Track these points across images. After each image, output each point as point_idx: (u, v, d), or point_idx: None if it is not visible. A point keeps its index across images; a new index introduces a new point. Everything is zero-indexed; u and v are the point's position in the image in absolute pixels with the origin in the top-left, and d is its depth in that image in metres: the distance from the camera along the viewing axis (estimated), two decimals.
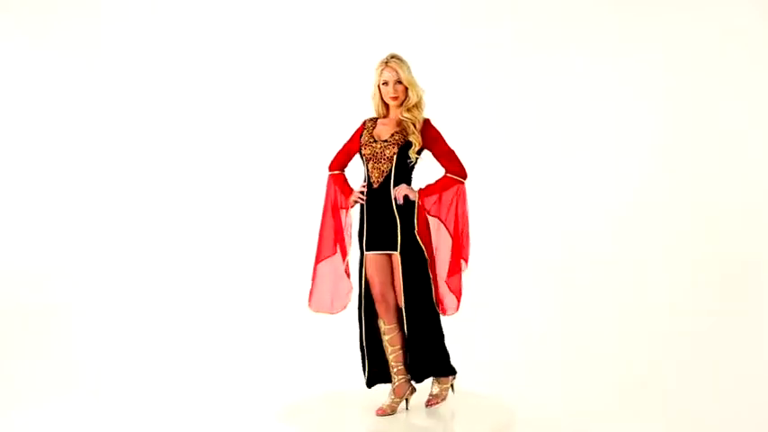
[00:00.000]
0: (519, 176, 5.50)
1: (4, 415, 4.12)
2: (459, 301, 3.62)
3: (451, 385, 3.72)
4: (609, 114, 5.41)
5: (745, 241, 5.13)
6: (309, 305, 3.71)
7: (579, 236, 5.37)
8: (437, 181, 3.58)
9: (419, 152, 3.54)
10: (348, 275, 3.66)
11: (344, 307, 3.70)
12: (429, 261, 3.52)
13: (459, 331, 5.06)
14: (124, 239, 5.82)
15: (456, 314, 3.65)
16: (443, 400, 3.68)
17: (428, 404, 3.65)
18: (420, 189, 3.56)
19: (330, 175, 3.72)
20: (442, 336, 3.64)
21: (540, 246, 5.41)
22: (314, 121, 5.56)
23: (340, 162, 3.71)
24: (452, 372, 3.68)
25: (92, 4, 5.85)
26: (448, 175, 3.59)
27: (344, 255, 3.65)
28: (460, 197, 3.61)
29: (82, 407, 4.23)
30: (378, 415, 3.56)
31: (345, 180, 3.70)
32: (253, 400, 4.31)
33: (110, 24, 5.84)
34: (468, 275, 3.94)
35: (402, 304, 3.54)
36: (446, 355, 3.65)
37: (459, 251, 3.61)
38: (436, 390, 3.67)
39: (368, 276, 3.57)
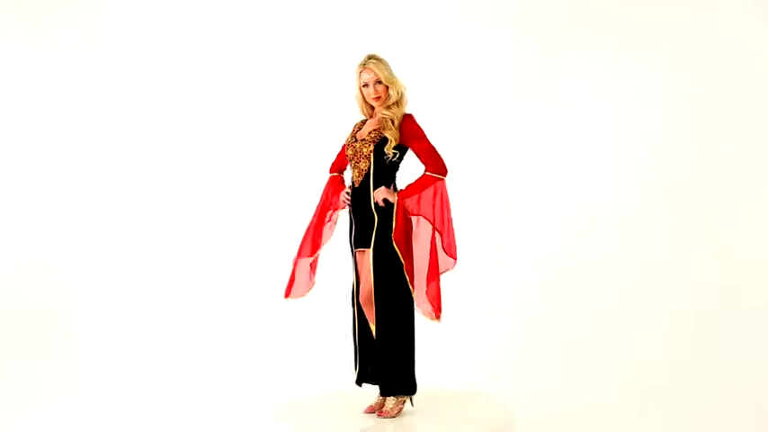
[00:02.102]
0: (519, 176, 5.49)
1: (5, 415, 4.12)
2: (436, 309, 3.48)
3: (410, 398, 3.58)
4: (608, 114, 5.39)
5: (745, 241, 5.11)
6: (287, 296, 3.72)
7: (580, 236, 5.36)
8: (416, 180, 3.51)
9: (399, 149, 3.48)
10: (313, 270, 3.68)
11: (301, 296, 3.70)
12: (405, 265, 3.42)
13: (459, 331, 5.07)
14: (124, 240, 5.81)
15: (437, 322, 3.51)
16: (397, 414, 3.50)
17: (378, 414, 3.52)
18: (400, 191, 3.50)
19: (329, 177, 3.74)
20: (411, 350, 3.51)
21: (541, 245, 5.40)
22: (312, 121, 5.56)
23: (337, 164, 3.72)
24: (412, 391, 3.54)
25: (92, 4, 5.84)
26: (427, 173, 3.50)
27: (315, 250, 3.66)
28: (442, 194, 3.52)
29: (82, 407, 4.23)
30: (366, 413, 3.55)
31: (341, 181, 3.70)
32: (250, 398, 4.31)
33: (109, 24, 5.84)
34: (469, 275, 3.93)
35: (365, 301, 3.50)
36: (410, 372, 3.52)
37: (436, 257, 3.52)
38: (390, 404, 3.51)
39: (357, 274, 3.57)
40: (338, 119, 3.98)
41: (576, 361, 4.80)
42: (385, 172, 3.50)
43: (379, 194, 3.47)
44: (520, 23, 5.50)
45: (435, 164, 3.49)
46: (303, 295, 3.71)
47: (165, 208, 5.80)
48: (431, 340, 4.08)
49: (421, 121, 3.66)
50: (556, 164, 5.44)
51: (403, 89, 3.52)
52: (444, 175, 3.51)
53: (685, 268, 5.17)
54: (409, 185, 3.50)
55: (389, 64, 3.53)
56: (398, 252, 3.42)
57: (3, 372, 4.91)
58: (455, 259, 3.57)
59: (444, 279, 3.56)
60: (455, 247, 3.57)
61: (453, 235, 3.57)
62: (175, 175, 5.81)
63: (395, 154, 3.48)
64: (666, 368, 4.63)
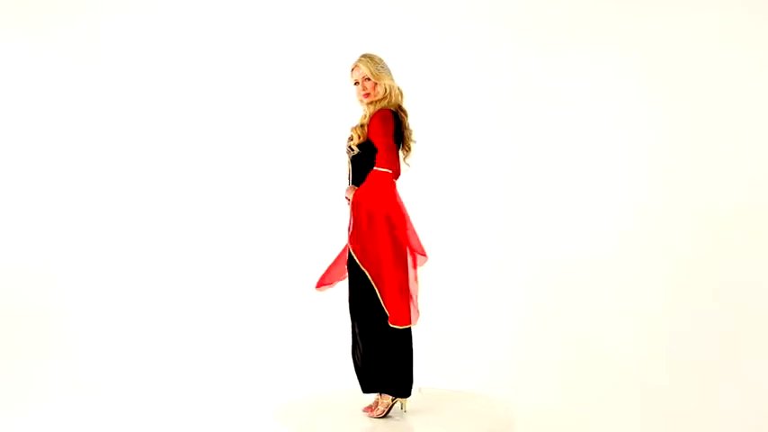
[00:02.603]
0: (519, 175, 5.48)
1: (6, 416, 4.12)
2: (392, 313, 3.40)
3: (401, 402, 3.56)
4: (609, 114, 5.38)
5: (746, 241, 5.10)
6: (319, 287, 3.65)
7: (580, 236, 5.35)
8: (367, 177, 3.47)
9: (364, 146, 3.48)
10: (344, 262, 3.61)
11: (330, 285, 3.63)
12: (362, 264, 3.38)
13: (459, 331, 5.07)
14: (123, 241, 5.81)
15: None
16: (380, 414, 3.50)
17: (364, 409, 3.56)
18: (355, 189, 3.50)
19: None
20: (395, 352, 3.46)
21: (541, 245, 5.40)
22: (313, 121, 5.55)
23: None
24: (399, 394, 3.50)
25: (92, 4, 5.84)
26: (373, 168, 3.45)
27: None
28: (388, 188, 3.45)
29: (82, 408, 4.23)
30: (363, 411, 3.57)
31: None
32: (249, 400, 4.30)
33: (109, 25, 5.83)
34: (468, 275, 3.93)
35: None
36: (395, 374, 3.47)
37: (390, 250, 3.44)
38: (380, 402, 3.53)
39: None
40: (341, 118, 3.97)
41: (575, 361, 4.79)
42: (359, 170, 3.51)
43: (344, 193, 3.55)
44: (520, 23, 5.50)
45: (381, 159, 3.43)
46: (333, 284, 3.65)
47: (165, 209, 5.79)
48: (431, 340, 4.08)
49: (421, 120, 3.68)
50: (556, 164, 5.44)
51: (392, 85, 3.52)
52: (391, 170, 3.42)
53: (686, 268, 5.16)
54: (362, 183, 3.49)
55: (382, 61, 3.56)
56: (352, 251, 3.43)
57: (2, 372, 4.91)
58: (424, 255, 3.55)
59: (442, 279, 3.54)
60: (418, 243, 3.53)
61: (412, 230, 3.54)
62: (175, 176, 5.81)
63: (358, 151, 3.49)
64: (666, 368, 4.63)
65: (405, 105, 3.61)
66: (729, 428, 3.81)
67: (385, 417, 3.52)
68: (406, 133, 3.59)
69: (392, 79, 3.55)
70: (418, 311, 3.52)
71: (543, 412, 3.97)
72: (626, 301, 5.18)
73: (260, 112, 5.76)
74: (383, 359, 3.48)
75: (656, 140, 5.28)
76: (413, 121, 3.67)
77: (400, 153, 3.59)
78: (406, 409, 3.59)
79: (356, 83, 3.56)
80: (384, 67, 3.55)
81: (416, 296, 3.52)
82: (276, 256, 5.64)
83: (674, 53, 5.24)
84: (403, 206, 3.56)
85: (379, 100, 3.51)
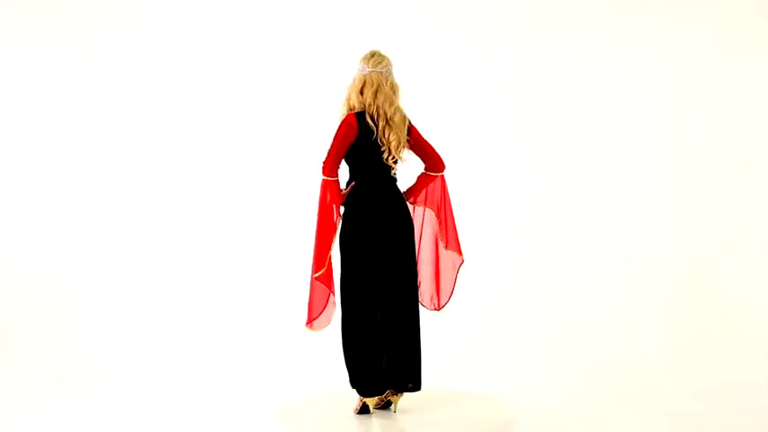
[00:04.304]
0: (516, 176, 5.48)
1: (7, 416, 4.13)
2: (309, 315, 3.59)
3: (393, 405, 3.62)
4: (611, 113, 5.38)
5: (744, 242, 5.10)
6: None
7: (581, 236, 5.36)
8: None
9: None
10: None
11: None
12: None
13: (459, 331, 5.07)
14: (123, 241, 5.81)
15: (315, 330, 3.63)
16: (354, 411, 3.58)
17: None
18: None
19: None
20: (357, 350, 3.54)
21: (542, 246, 5.40)
22: (314, 122, 5.55)
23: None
24: (359, 392, 3.55)
25: (92, 4, 5.84)
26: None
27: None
28: (322, 194, 3.57)
29: (82, 408, 4.23)
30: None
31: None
32: (249, 400, 4.30)
33: (109, 23, 5.84)
34: (468, 275, 3.92)
35: None
36: (355, 371, 3.54)
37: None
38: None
39: None
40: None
41: (576, 361, 4.79)
42: (350, 169, 3.64)
43: None
44: (521, 21, 5.50)
45: (324, 164, 3.55)
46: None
47: (165, 208, 5.80)
48: (431, 340, 4.07)
49: (421, 118, 3.69)
50: (557, 164, 5.44)
51: (349, 92, 3.56)
52: (326, 176, 3.52)
53: (689, 270, 5.15)
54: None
55: (369, 60, 3.56)
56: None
57: (3, 372, 4.91)
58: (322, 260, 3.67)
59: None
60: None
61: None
62: (175, 176, 5.81)
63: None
64: (668, 369, 4.63)
65: (388, 107, 3.51)
66: (730, 428, 3.81)
67: (361, 414, 3.53)
68: (384, 138, 3.52)
69: (361, 85, 3.53)
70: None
71: (543, 412, 3.97)
72: (628, 302, 5.18)
73: (260, 110, 5.76)
74: (346, 354, 3.58)
75: (658, 140, 5.28)
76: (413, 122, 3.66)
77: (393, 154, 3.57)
78: (396, 410, 3.59)
79: None
80: (363, 68, 3.55)
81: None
82: (277, 255, 5.64)
83: (676, 52, 5.24)
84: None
85: (348, 105, 3.57)
